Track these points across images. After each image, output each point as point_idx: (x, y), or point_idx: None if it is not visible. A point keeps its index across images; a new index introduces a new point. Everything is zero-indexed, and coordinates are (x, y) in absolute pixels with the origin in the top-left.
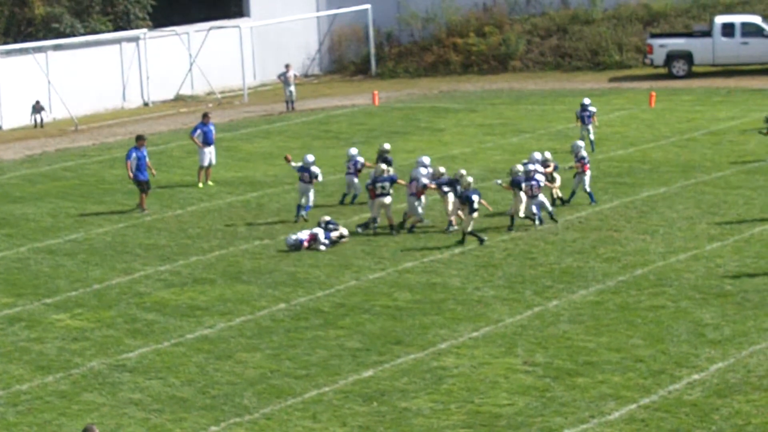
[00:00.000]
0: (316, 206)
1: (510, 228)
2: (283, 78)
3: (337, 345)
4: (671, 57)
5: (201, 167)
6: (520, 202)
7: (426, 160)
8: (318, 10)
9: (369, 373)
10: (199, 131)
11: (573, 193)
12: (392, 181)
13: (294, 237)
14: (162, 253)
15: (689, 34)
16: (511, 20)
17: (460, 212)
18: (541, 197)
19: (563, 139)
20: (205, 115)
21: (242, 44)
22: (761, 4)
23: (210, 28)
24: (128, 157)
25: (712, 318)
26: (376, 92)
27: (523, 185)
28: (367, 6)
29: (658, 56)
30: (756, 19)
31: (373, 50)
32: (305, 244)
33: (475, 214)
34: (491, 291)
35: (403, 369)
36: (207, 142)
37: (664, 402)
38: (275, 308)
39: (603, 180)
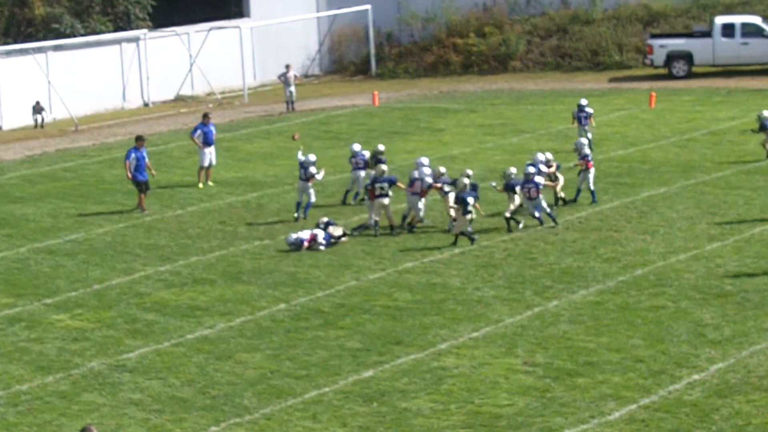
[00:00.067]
0: (316, 206)
1: (509, 229)
2: (284, 78)
3: (337, 345)
4: (671, 57)
5: (201, 167)
6: (513, 202)
7: (425, 160)
8: (318, 11)
9: (369, 373)
10: (199, 131)
11: (578, 192)
12: (391, 182)
13: (295, 236)
14: (162, 254)
15: (689, 35)
16: (511, 20)
17: (453, 213)
18: (541, 199)
19: (563, 139)
20: (206, 116)
21: (242, 44)
22: (761, 4)
23: (210, 29)
24: (127, 157)
25: (712, 318)
26: (376, 92)
27: (518, 188)
28: (367, 6)
29: (658, 56)
30: (756, 20)
31: (373, 50)
32: (305, 243)
33: (469, 216)
34: (491, 291)
35: (403, 369)
36: (207, 142)
37: (664, 402)
38: (275, 308)
39: (603, 180)
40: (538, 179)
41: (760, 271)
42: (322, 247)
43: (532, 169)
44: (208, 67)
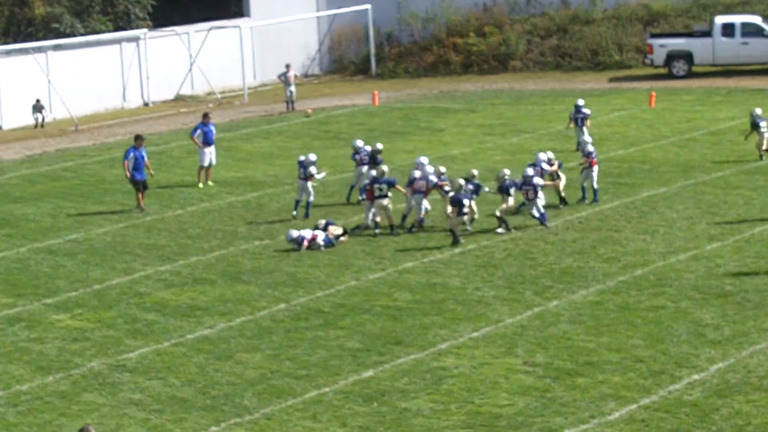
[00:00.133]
0: (316, 206)
1: (509, 229)
2: (284, 78)
3: (337, 345)
4: (671, 57)
5: (201, 167)
6: (505, 203)
7: (424, 160)
8: (318, 10)
9: (369, 373)
10: (199, 131)
11: (584, 190)
12: (390, 184)
13: (297, 233)
14: (162, 254)
15: (689, 34)
16: (511, 20)
17: (449, 213)
18: (539, 200)
19: (563, 139)
20: (206, 115)
21: (242, 44)
22: (761, 4)
23: (210, 28)
24: (126, 156)
25: (712, 318)
26: (376, 92)
27: (512, 189)
28: (367, 6)
29: (658, 56)
30: (756, 19)
31: (373, 50)
32: (306, 243)
33: (465, 218)
34: (491, 291)
35: (403, 369)
36: (207, 142)
37: (664, 402)
38: (275, 308)
39: (603, 180)
40: (537, 180)
41: (760, 271)
42: (321, 248)
43: (530, 171)
44: (208, 67)
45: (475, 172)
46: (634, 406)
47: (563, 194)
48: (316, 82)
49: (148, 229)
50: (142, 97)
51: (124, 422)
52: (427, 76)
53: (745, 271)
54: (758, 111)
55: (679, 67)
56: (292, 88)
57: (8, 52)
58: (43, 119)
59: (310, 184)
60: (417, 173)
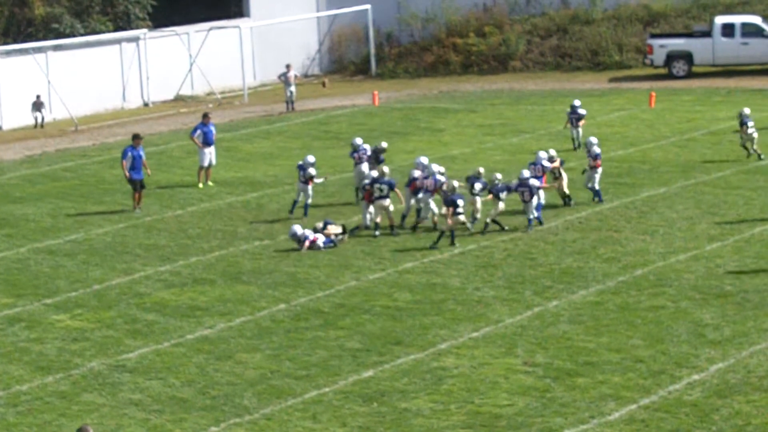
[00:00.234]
0: (315, 206)
1: (503, 228)
2: (284, 78)
3: (337, 345)
4: (671, 57)
5: (201, 167)
6: (495, 208)
7: (424, 160)
8: (318, 11)
9: (369, 373)
10: (199, 131)
11: (595, 191)
12: (391, 186)
13: (300, 231)
14: (162, 254)
15: (689, 35)
16: (511, 20)
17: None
18: (537, 200)
19: (563, 139)
20: (205, 116)
21: (242, 44)
22: (761, 4)
23: (210, 29)
24: (124, 156)
25: (712, 318)
26: (376, 92)
27: (503, 194)
28: (367, 6)
29: (658, 56)
30: (756, 20)
31: (373, 50)
32: (307, 243)
33: (461, 218)
34: (491, 291)
35: (403, 369)
36: (207, 142)
37: (664, 402)
38: (275, 309)
39: (603, 180)
40: (533, 182)
41: (760, 271)
42: (321, 249)
43: (526, 173)
44: (208, 67)
45: (482, 170)
46: (634, 407)
47: (567, 192)
48: (316, 83)
49: (148, 230)
50: (142, 97)
51: (124, 422)
52: (427, 77)
53: (745, 272)
54: (746, 110)
55: (679, 67)
56: (293, 88)
57: (8, 53)
58: (43, 119)
59: (310, 186)
60: (416, 173)
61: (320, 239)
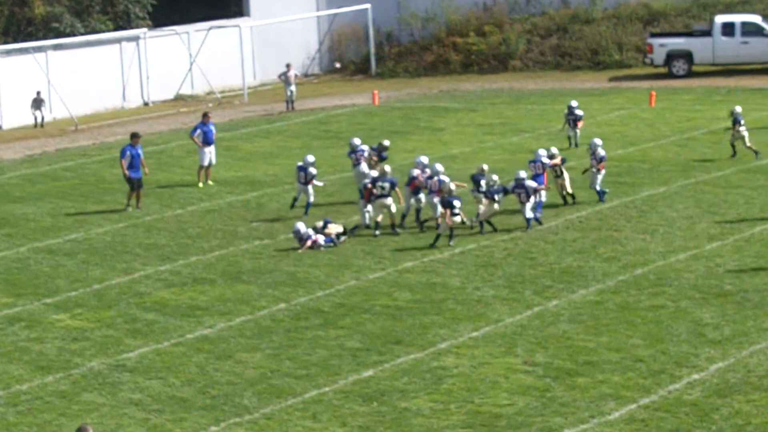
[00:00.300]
0: (316, 205)
1: (495, 229)
2: (284, 77)
3: (337, 345)
4: (671, 56)
5: (201, 167)
6: (490, 206)
7: (424, 159)
8: (318, 10)
9: (369, 373)
10: (199, 131)
11: (600, 191)
12: (392, 185)
13: (304, 230)
14: (162, 253)
15: (689, 34)
16: (511, 20)
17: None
18: (533, 201)
19: (563, 139)
20: (205, 115)
21: (242, 44)
22: (761, 3)
23: (210, 28)
24: (122, 155)
25: (712, 318)
26: (376, 92)
27: (501, 195)
28: (367, 5)
29: (658, 56)
30: (756, 19)
31: (373, 50)
32: (308, 243)
33: (458, 218)
34: (491, 291)
35: (403, 369)
36: (207, 141)
37: (664, 402)
38: (275, 308)
39: (603, 180)
40: (529, 183)
41: (760, 271)
42: (322, 248)
43: (522, 173)
44: (208, 67)
45: (485, 166)
46: (633, 406)
47: (570, 191)
48: (316, 82)
49: (147, 229)
50: (142, 96)
51: (124, 422)
52: (426, 76)
53: (745, 271)
54: (738, 109)
55: (679, 66)
56: (293, 87)
57: (8, 52)
58: (43, 118)
59: (310, 187)
60: (416, 171)
61: (321, 239)
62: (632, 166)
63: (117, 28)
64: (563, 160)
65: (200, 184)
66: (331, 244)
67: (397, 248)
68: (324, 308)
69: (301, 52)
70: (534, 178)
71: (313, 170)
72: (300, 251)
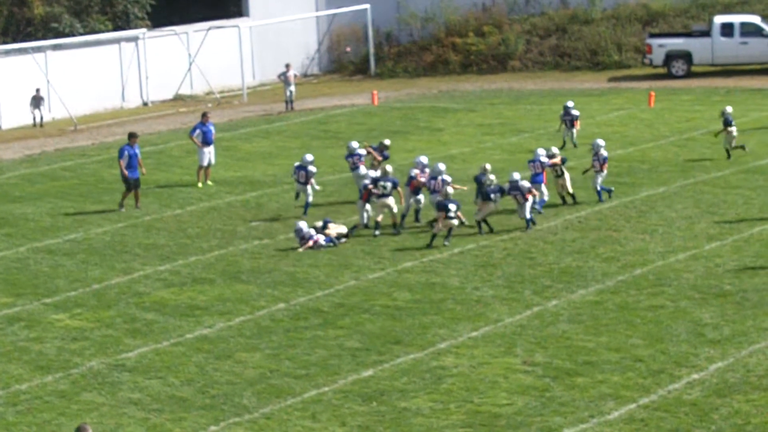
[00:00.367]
0: (315, 205)
1: (491, 230)
2: (284, 78)
3: (336, 345)
4: (670, 57)
5: (200, 167)
6: (485, 206)
7: (424, 159)
8: (317, 10)
9: (368, 372)
10: (198, 131)
11: (607, 191)
12: (394, 184)
13: (306, 230)
14: (161, 253)
15: (688, 34)
16: (510, 20)
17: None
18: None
19: (560, 139)
20: (204, 115)
21: (241, 44)
22: (760, 4)
23: (209, 28)
24: (121, 155)
25: (711, 318)
26: (375, 92)
27: (498, 195)
28: (366, 6)
29: (657, 56)
30: (755, 19)
31: (372, 50)
32: (310, 243)
33: (455, 221)
34: (490, 291)
35: (403, 369)
36: (206, 141)
37: (664, 402)
38: (274, 308)
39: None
40: (523, 184)
41: (759, 271)
42: (322, 247)
43: (516, 175)
44: (207, 67)
45: (488, 166)
46: (633, 406)
47: (571, 191)
48: (315, 82)
49: (147, 229)
50: (141, 96)
51: (124, 422)
52: (426, 76)
53: (744, 271)
54: (729, 109)
55: (678, 66)
56: (292, 87)
57: (7, 52)
58: (42, 118)
59: (309, 186)
60: (414, 171)
61: (321, 239)
62: (631, 167)
63: (116, 29)
64: (563, 160)
65: (199, 184)
66: (331, 244)
67: (397, 248)
68: (323, 308)
69: (300, 52)
70: (533, 177)
71: (312, 168)
72: (301, 250)
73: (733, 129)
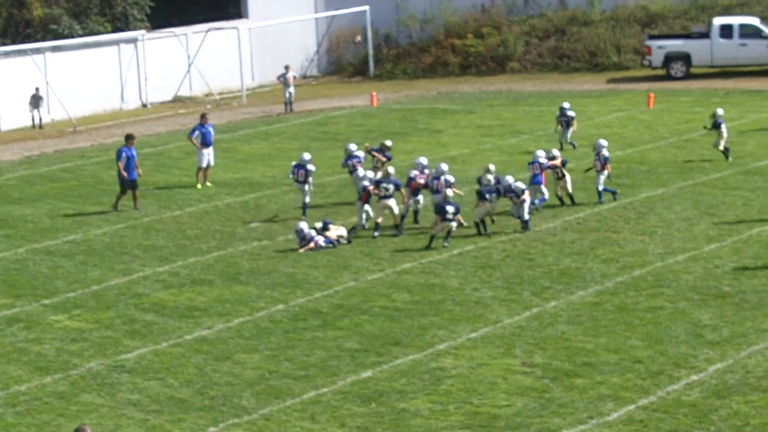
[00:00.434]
0: (314, 206)
1: (487, 232)
2: (283, 79)
3: (335, 346)
4: (669, 58)
5: (199, 168)
6: (481, 207)
7: (423, 161)
8: (316, 12)
9: (367, 373)
10: (197, 132)
11: (611, 191)
12: (396, 186)
13: (307, 230)
14: (160, 254)
15: (687, 36)
16: (509, 21)
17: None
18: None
19: (557, 141)
20: (203, 116)
21: (240, 45)
22: (759, 5)
23: (208, 30)
24: (119, 156)
25: (710, 319)
26: (374, 93)
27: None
28: (366, 7)
29: (657, 57)
30: (754, 21)
31: (371, 51)
32: (311, 245)
33: (453, 224)
34: (489, 292)
35: (402, 370)
36: (205, 143)
37: (663, 403)
38: (273, 309)
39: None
40: (517, 185)
41: (758, 272)
42: (322, 248)
43: (509, 179)
44: (207, 68)
45: (492, 166)
46: (632, 407)
47: (571, 192)
48: (315, 84)
49: (146, 230)
50: (141, 98)
51: (123, 423)
52: (425, 78)
53: (743, 272)
54: (720, 111)
55: (677, 68)
56: (291, 89)
57: (6, 54)
58: (41, 119)
59: (307, 186)
60: (414, 173)
61: (320, 240)
62: (630, 168)
63: (115, 30)
64: (564, 162)
65: (198, 186)
66: (330, 245)
67: (396, 249)
68: (322, 309)
69: (299, 53)
70: (532, 178)
71: (311, 167)
72: (301, 251)
73: (723, 131)
